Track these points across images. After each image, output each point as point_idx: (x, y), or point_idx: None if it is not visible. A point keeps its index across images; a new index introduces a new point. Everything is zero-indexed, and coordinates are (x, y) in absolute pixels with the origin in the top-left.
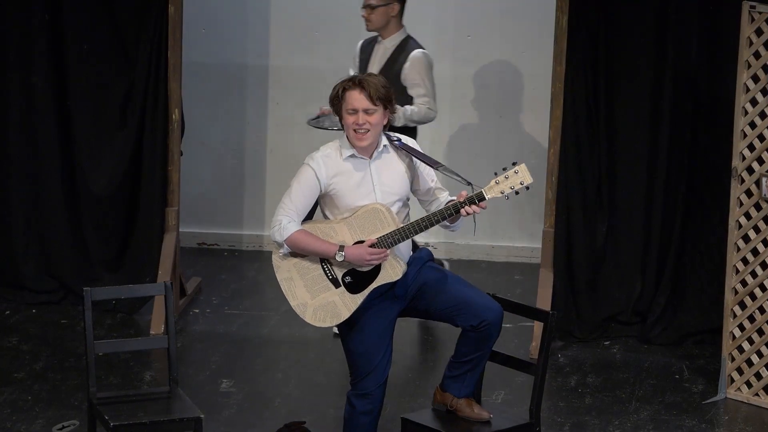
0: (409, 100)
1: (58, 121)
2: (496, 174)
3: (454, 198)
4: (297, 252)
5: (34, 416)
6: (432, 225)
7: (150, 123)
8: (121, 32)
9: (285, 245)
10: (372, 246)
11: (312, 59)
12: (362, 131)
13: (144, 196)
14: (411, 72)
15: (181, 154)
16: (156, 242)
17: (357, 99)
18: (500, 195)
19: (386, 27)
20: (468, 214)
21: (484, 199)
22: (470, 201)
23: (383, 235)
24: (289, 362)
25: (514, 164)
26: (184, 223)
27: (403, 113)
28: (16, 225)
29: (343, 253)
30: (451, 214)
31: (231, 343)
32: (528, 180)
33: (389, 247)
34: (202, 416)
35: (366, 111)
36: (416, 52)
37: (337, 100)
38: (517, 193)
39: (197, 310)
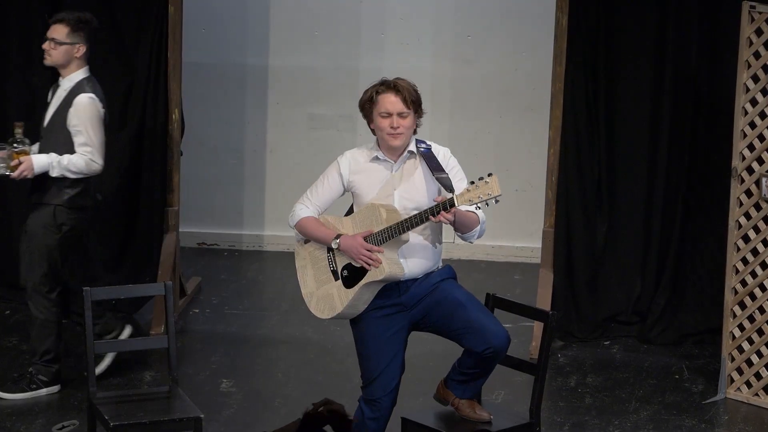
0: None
1: None
2: (472, 182)
3: (476, 210)
4: (304, 237)
5: (33, 416)
6: (412, 226)
7: (150, 123)
8: (121, 32)
9: (296, 230)
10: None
11: (312, 59)
12: (397, 133)
13: (144, 196)
14: (73, 118)
15: (181, 154)
16: (156, 242)
17: (392, 102)
18: (468, 203)
19: (67, 66)
20: (439, 221)
21: (454, 205)
22: (443, 207)
23: (371, 236)
24: (288, 362)
25: (489, 175)
26: (184, 223)
27: (59, 163)
28: (16, 225)
29: (338, 241)
30: (427, 217)
31: (231, 342)
32: (495, 192)
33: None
34: (202, 416)
35: (400, 114)
36: (82, 96)
37: (369, 104)
38: (487, 204)
39: (197, 310)
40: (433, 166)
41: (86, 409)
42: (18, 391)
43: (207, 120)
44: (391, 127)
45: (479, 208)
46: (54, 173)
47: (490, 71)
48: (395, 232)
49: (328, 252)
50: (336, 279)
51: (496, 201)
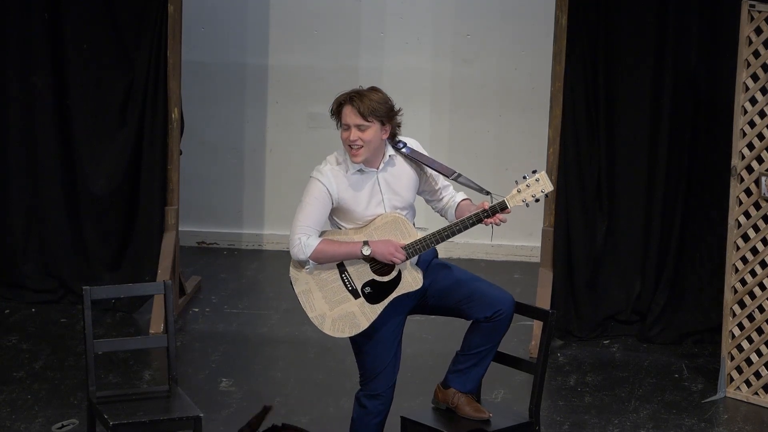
0: None
1: (58, 121)
2: (516, 182)
3: (464, 196)
4: (322, 263)
5: (33, 415)
6: (454, 235)
7: (149, 122)
8: (121, 32)
9: (310, 261)
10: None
11: (311, 58)
12: (355, 147)
13: (143, 195)
14: None
15: (181, 153)
16: (155, 241)
17: (349, 115)
18: (522, 203)
19: None
20: (494, 223)
21: (506, 208)
22: (493, 211)
23: (406, 245)
24: (288, 361)
25: (534, 172)
26: (183, 222)
27: None
28: (16, 225)
29: (369, 247)
30: (473, 223)
31: (230, 342)
32: (549, 188)
33: (411, 257)
34: (201, 415)
35: (358, 127)
36: None
37: (335, 114)
38: (537, 200)
39: (197, 309)
40: (441, 169)
41: (86, 408)
42: None
43: (206, 119)
44: (349, 140)
45: (528, 206)
46: None
47: (489, 70)
48: (434, 241)
49: (341, 273)
50: (356, 297)
51: (547, 196)
